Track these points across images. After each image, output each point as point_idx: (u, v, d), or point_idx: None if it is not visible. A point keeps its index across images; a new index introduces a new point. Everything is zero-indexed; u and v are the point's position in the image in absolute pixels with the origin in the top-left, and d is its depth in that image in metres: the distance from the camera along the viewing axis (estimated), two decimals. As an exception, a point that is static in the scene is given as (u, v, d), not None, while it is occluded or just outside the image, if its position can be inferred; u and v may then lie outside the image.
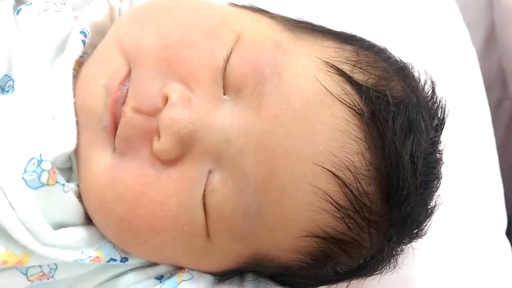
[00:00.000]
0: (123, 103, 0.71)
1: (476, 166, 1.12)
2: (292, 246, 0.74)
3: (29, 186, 0.64)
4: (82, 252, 0.70)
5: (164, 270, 0.79)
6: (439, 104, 0.84)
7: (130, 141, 0.70)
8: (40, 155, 0.65)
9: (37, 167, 0.64)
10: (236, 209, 0.71)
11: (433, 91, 0.85)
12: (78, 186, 0.73)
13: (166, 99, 0.69)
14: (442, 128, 0.85)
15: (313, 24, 0.85)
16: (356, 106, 0.71)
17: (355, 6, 1.19)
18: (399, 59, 0.84)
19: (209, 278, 0.79)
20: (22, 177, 0.64)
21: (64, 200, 0.69)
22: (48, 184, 0.65)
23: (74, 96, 0.73)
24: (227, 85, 0.72)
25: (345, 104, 0.71)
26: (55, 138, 0.69)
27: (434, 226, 0.86)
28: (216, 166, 0.71)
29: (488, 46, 1.44)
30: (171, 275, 0.78)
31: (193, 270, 0.79)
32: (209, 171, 0.71)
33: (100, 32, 0.80)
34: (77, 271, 0.73)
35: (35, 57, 0.72)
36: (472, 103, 1.18)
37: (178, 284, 0.76)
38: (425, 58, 1.13)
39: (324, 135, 0.70)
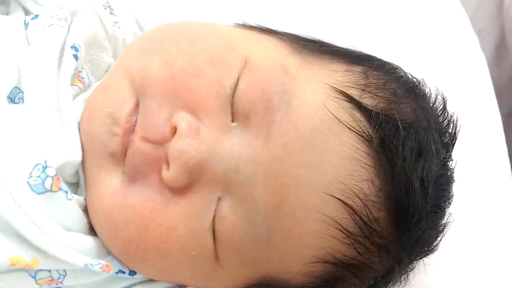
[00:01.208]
0: (132, 132, 0.71)
1: (488, 175, 1.11)
2: (302, 271, 0.74)
3: (33, 191, 0.65)
4: (92, 258, 0.71)
5: (171, 284, 0.79)
6: (450, 119, 0.84)
7: (139, 168, 0.70)
8: (45, 161, 0.66)
9: (41, 172, 0.66)
10: (245, 236, 0.71)
11: (444, 107, 0.84)
12: (85, 199, 0.74)
13: (174, 129, 0.69)
14: (454, 144, 0.84)
15: (321, 43, 0.84)
16: (365, 133, 0.71)
17: (363, 14, 1.18)
18: (409, 78, 0.84)
19: None
20: (27, 182, 0.65)
21: (67, 207, 0.70)
22: (51, 190, 0.66)
23: (81, 120, 0.74)
24: (236, 112, 0.72)
25: (354, 131, 0.71)
26: (61, 147, 0.70)
27: (447, 240, 0.85)
28: (225, 194, 0.71)
29: (499, 53, 1.43)
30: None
31: None
32: (219, 198, 0.71)
33: (91, 43, 0.81)
34: (85, 279, 0.74)
35: (42, 70, 0.73)
36: (483, 111, 1.17)
37: None
38: (435, 66, 1.13)
39: (332, 163, 0.70)
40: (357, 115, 0.72)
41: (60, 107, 0.72)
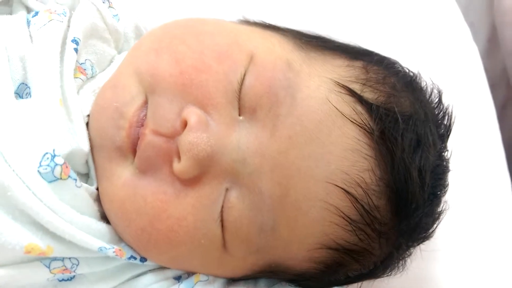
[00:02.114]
0: (141, 126, 0.74)
1: (483, 166, 1.14)
2: (306, 257, 0.77)
3: (44, 179, 0.68)
4: (105, 243, 0.74)
5: (181, 271, 0.82)
6: (446, 111, 0.87)
7: (150, 161, 0.73)
8: (54, 150, 0.69)
9: (50, 161, 0.68)
10: (252, 225, 0.74)
11: (440, 99, 0.87)
12: (96, 189, 0.77)
13: (184, 123, 0.72)
14: (449, 135, 0.87)
15: (323, 39, 0.87)
16: (366, 125, 0.74)
17: (358, 10, 1.19)
18: (407, 72, 0.87)
19: (225, 279, 0.83)
20: (38, 171, 0.68)
21: (77, 194, 0.72)
22: (61, 178, 0.69)
23: (90, 117, 0.77)
24: (242, 106, 0.74)
25: (356, 124, 0.74)
26: (67, 137, 0.73)
27: (443, 228, 0.88)
28: (233, 185, 0.74)
29: (492, 46, 1.45)
30: (189, 275, 0.82)
31: None
32: (227, 189, 0.74)
33: (91, 35, 0.83)
34: (97, 267, 0.76)
35: (46, 65, 0.75)
36: (477, 102, 1.19)
37: (195, 284, 0.79)
38: (428, 59, 1.15)
39: (335, 154, 0.73)
40: (359, 108, 0.75)
41: (65, 99, 0.74)
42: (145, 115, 0.74)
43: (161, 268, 0.82)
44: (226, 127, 0.73)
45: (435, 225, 0.85)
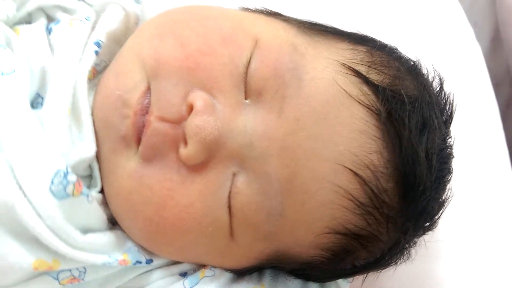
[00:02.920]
0: (145, 113, 0.73)
1: (487, 166, 1.14)
2: (314, 243, 0.76)
3: (55, 197, 0.67)
4: (109, 256, 0.73)
5: (187, 267, 0.81)
6: (447, 99, 0.87)
7: (155, 148, 0.72)
8: (67, 167, 0.67)
9: (63, 179, 0.67)
10: (260, 210, 0.73)
11: (441, 87, 0.87)
12: (100, 192, 0.76)
13: (190, 107, 0.71)
14: (451, 123, 0.87)
15: (325, 26, 0.87)
16: (373, 106, 0.74)
17: (361, 9, 1.20)
18: (409, 58, 0.87)
19: (230, 275, 0.81)
20: (49, 188, 0.67)
21: (88, 209, 0.72)
22: (73, 195, 0.68)
23: (94, 107, 0.75)
24: (249, 89, 0.74)
25: (363, 105, 0.74)
26: (74, 146, 0.72)
27: (446, 221, 0.89)
28: (240, 169, 0.73)
29: (496, 45, 1.46)
30: (194, 271, 0.81)
31: (215, 267, 0.81)
32: (234, 174, 0.73)
33: (116, 40, 0.82)
34: (105, 272, 0.76)
35: (62, 72, 0.74)
36: (481, 102, 1.19)
37: (200, 280, 0.78)
38: (432, 58, 1.12)
39: (344, 135, 0.72)
40: (365, 89, 0.75)
41: (75, 104, 0.74)
42: (149, 101, 0.73)
43: (168, 265, 0.81)
44: (232, 111, 0.73)
45: (440, 212, 0.85)
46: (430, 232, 0.87)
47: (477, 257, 1.06)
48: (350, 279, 0.89)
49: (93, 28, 0.80)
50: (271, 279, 0.83)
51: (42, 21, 0.83)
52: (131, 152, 0.73)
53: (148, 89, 0.73)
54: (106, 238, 0.74)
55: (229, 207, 0.73)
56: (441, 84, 0.87)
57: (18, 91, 0.71)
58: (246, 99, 0.74)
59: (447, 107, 0.86)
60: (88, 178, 0.77)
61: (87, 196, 0.70)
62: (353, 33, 0.86)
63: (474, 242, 1.07)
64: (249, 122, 0.73)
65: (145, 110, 0.73)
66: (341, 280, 0.88)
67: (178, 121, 0.72)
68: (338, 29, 0.87)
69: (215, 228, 0.74)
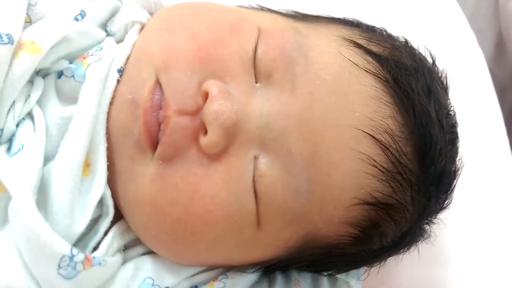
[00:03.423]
0: (158, 109, 0.72)
1: (492, 170, 1.15)
2: (343, 218, 0.76)
3: (66, 278, 0.67)
4: None
5: (198, 281, 0.80)
6: (441, 73, 0.89)
7: (177, 145, 0.71)
8: (71, 250, 0.66)
9: (70, 261, 0.67)
10: (286, 190, 0.72)
11: (434, 62, 0.89)
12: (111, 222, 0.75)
13: (206, 96, 0.71)
14: (447, 92, 0.89)
15: (317, 15, 0.90)
16: (380, 74, 0.76)
17: (362, 15, 1.19)
18: (400, 36, 0.90)
19: (241, 285, 0.81)
20: (58, 273, 0.66)
21: (103, 270, 0.72)
22: (84, 269, 0.68)
23: (109, 120, 0.73)
24: (258, 73, 0.75)
25: (371, 73, 0.76)
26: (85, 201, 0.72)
27: (453, 226, 0.91)
28: (261, 151, 0.73)
29: (501, 50, 1.48)
30: (204, 284, 0.79)
31: (226, 279, 0.80)
32: (255, 157, 0.73)
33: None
34: None
35: (78, 128, 0.71)
36: (484, 108, 1.21)
37: None
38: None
39: (358, 102, 0.74)
40: (370, 59, 0.77)
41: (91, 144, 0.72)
42: (160, 97, 0.72)
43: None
44: (246, 96, 0.73)
45: (455, 181, 0.86)
46: (436, 236, 0.89)
47: (485, 262, 1.06)
48: (362, 277, 0.89)
49: (111, 57, 0.76)
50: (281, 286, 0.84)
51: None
52: (147, 159, 0.72)
53: (157, 83, 0.73)
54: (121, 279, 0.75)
55: (255, 192, 0.73)
56: (433, 60, 0.89)
57: (22, 176, 0.68)
58: (257, 82, 0.75)
59: (442, 77, 0.89)
60: (99, 206, 0.74)
61: (99, 263, 0.70)
62: (344, 18, 0.90)
63: (481, 247, 1.08)
64: (264, 104, 0.73)
65: (157, 107, 0.72)
66: (353, 282, 0.88)
67: (196, 112, 0.72)
68: (329, 16, 0.90)
69: (242, 217, 0.73)
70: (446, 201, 0.87)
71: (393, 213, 0.78)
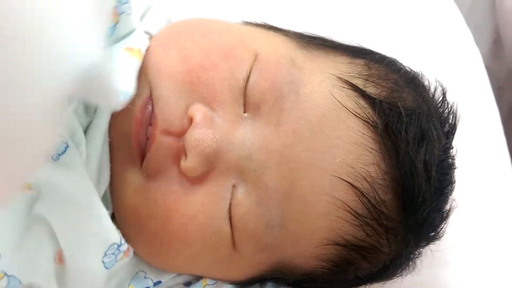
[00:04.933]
0: (147, 125, 0.74)
1: (488, 169, 1.13)
2: (314, 254, 0.77)
3: (106, 268, 0.73)
4: None
5: (191, 277, 0.83)
6: (450, 110, 0.87)
7: (160, 163, 0.73)
8: (120, 239, 0.73)
9: (116, 250, 0.72)
10: (259, 221, 0.74)
11: (444, 97, 0.87)
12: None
13: (191, 120, 0.72)
14: (454, 133, 0.87)
15: (324, 39, 0.88)
16: (370, 119, 0.74)
17: (359, 13, 1.20)
18: (409, 69, 0.87)
19: (232, 286, 0.83)
20: (102, 260, 0.72)
21: (125, 263, 0.76)
22: (120, 260, 0.74)
23: (111, 123, 0.76)
24: (247, 103, 0.75)
25: (359, 117, 0.74)
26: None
27: (451, 228, 0.87)
28: (240, 181, 0.74)
29: (498, 48, 1.45)
30: (197, 281, 0.83)
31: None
32: (233, 186, 0.74)
33: None
34: None
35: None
36: (481, 106, 1.19)
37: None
38: (431, 63, 1.12)
39: (340, 148, 0.73)
40: (362, 102, 0.75)
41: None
42: (151, 112, 0.74)
43: (174, 277, 0.83)
44: (231, 124, 0.74)
45: (443, 224, 0.85)
46: (436, 241, 0.87)
47: (484, 264, 1.05)
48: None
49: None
50: None
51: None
52: (136, 168, 0.74)
53: (150, 97, 0.74)
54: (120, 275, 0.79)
55: (230, 218, 0.75)
56: (444, 95, 0.87)
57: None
58: (245, 112, 0.75)
59: (450, 118, 0.86)
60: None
61: (129, 256, 0.75)
62: (352, 46, 0.88)
63: (480, 249, 1.06)
64: (247, 135, 0.74)
65: (147, 121, 0.74)
66: None
67: (181, 134, 0.73)
68: (337, 42, 0.88)
69: (218, 238, 0.75)
70: (431, 241, 0.86)
71: (366, 254, 0.78)
